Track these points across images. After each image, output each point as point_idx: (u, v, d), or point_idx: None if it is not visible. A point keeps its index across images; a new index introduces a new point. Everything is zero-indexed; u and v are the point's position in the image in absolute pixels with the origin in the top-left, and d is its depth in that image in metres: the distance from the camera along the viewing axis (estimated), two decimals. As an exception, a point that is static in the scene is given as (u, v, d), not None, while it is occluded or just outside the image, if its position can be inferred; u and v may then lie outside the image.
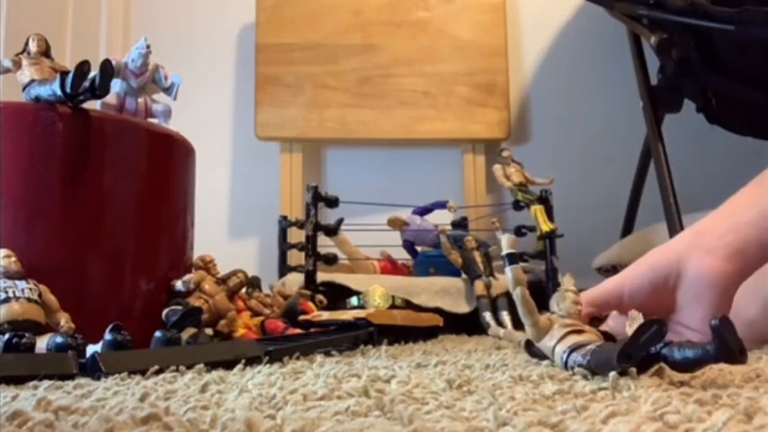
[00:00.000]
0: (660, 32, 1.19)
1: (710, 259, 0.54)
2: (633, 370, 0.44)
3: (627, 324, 0.50)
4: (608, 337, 0.55)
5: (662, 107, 1.30)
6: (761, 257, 0.55)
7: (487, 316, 1.16)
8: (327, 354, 0.70)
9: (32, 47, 0.82)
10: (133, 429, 0.30)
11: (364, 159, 1.81)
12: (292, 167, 1.72)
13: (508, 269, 0.54)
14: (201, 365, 0.53)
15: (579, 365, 0.47)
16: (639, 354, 0.43)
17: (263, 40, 1.73)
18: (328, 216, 1.50)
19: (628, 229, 1.56)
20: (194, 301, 0.83)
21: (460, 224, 1.48)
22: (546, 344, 0.53)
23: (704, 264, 0.54)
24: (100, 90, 0.75)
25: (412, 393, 0.40)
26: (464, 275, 1.26)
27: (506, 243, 0.55)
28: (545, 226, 1.30)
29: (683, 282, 0.56)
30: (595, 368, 0.46)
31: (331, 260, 1.30)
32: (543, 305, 0.55)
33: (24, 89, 0.79)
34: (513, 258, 0.55)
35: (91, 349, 0.57)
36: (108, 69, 0.75)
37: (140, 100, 0.88)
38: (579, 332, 0.51)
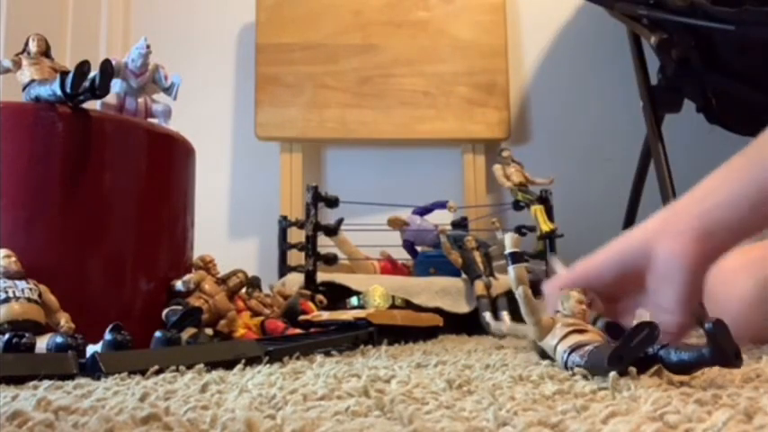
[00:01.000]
0: (660, 32, 1.19)
1: (680, 242, 0.56)
2: (633, 370, 0.45)
3: (634, 322, 0.50)
4: (615, 331, 0.55)
5: (662, 107, 1.30)
6: (729, 241, 0.57)
7: (487, 316, 1.16)
8: (327, 354, 0.70)
9: (32, 47, 0.82)
10: (133, 429, 0.30)
11: (364, 159, 1.81)
12: (292, 167, 1.72)
13: (511, 268, 0.54)
14: (201, 365, 0.53)
15: (577, 366, 0.47)
16: (631, 357, 0.43)
17: (263, 40, 1.73)
18: (328, 216, 1.50)
19: (628, 228, 1.56)
20: (194, 301, 0.82)
21: (460, 224, 1.48)
22: (548, 343, 0.53)
23: (674, 246, 0.56)
24: (100, 90, 0.75)
25: (412, 393, 0.40)
26: (464, 275, 1.26)
27: (509, 242, 0.55)
28: (545, 226, 1.30)
29: (653, 264, 0.57)
30: (590, 369, 0.46)
31: (331, 260, 1.30)
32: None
33: (24, 89, 0.79)
34: (515, 257, 0.55)
35: (91, 349, 0.57)
36: (108, 69, 0.75)
37: (140, 100, 0.88)
38: (581, 331, 0.52)
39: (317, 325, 0.90)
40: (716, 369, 0.47)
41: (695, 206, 0.57)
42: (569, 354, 0.49)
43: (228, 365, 0.55)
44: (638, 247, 0.58)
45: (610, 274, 0.59)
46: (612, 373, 0.42)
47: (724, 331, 0.41)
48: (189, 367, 0.52)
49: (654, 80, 1.32)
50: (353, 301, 1.00)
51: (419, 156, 1.80)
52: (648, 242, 0.57)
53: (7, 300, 0.64)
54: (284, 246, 1.45)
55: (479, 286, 1.21)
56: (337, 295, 1.16)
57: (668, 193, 1.17)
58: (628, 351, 0.43)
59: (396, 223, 1.38)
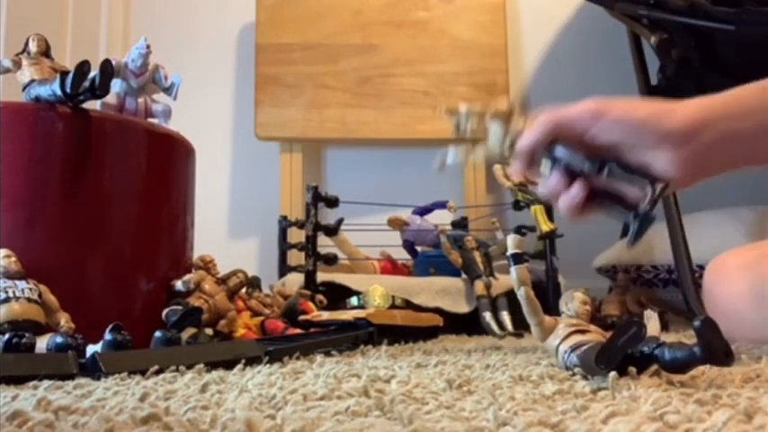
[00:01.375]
0: (660, 32, 1.19)
1: (683, 163, 0.55)
2: (633, 370, 0.45)
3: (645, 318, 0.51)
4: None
5: (662, 107, 1.30)
6: (720, 172, 0.58)
7: (487, 316, 1.16)
8: (327, 354, 0.70)
9: (32, 47, 0.82)
10: (133, 429, 0.30)
11: (364, 159, 1.81)
12: (292, 167, 1.72)
13: (513, 269, 0.54)
14: (201, 365, 0.53)
15: (574, 365, 0.47)
16: (618, 356, 0.43)
17: (263, 40, 1.73)
18: (328, 216, 1.50)
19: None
20: (194, 301, 0.83)
21: (460, 224, 1.48)
22: (551, 343, 0.53)
23: (676, 163, 0.56)
24: (100, 90, 0.75)
25: (412, 393, 0.40)
26: (464, 275, 1.26)
27: (512, 243, 0.55)
28: (545, 226, 1.30)
29: (649, 156, 0.57)
30: (583, 368, 0.46)
31: (331, 260, 1.30)
32: (543, 305, 0.55)
33: (24, 89, 0.79)
34: (518, 258, 0.55)
35: (91, 349, 0.57)
36: (108, 69, 0.75)
37: (140, 100, 0.88)
38: (583, 332, 0.52)
39: (317, 325, 0.90)
40: (716, 369, 0.47)
41: (716, 126, 0.56)
42: (569, 354, 0.49)
43: (228, 365, 0.55)
44: (647, 135, 0.56)
45: (608, 137, 0.57)
46: (612, 373, 0.42)
47: (713, 329, 0.41)
48: (189, 367, 0.52)
49: (654, 80, 1.32)
50: (353, 301, 1.00)
51: (419, 156, 1.80)
52: (659, 141, 0.56)
53: (7, 300, 0.64)
54: (284, 246, 1.45)
55: (479, 286, 1.21)
56: (337, 295, 1.16)
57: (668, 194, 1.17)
58: (614, 351, 0.43)
59: (396, 223, 1.38)
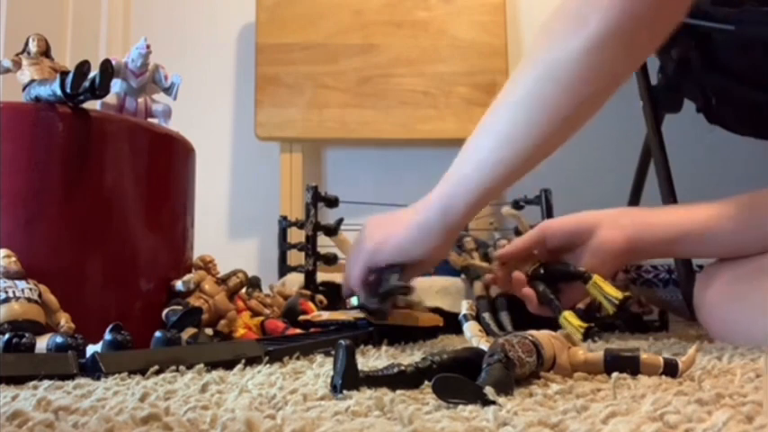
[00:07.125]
0: (660, 32, 1.18)
1: (617, 235, 0.79)
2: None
3: None
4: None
5: (662, 107, 1.30)
6: (648, 252, 0.83)
7: (487, 317, 1.15)
8: (327, 354, 0.70)
9: (32, 47, 0.82)
10: (133, 429, 0.30)
11: (364, 159, 1.81)
12: (292, 167, 1.72)
13: (465, 326, 0.58)
14: (201, 365, 0.53)
15: None
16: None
17: (263, 40, 1.73)
18: (328, 216, 1.50)
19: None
20: (194, 301, 0.82)
21: (460, 224, 1.48)
22: None
23: (611, 237, 0.79)
24: (100, 90, 0.75)
25: (412, 393, 0.40)
26: (463, 276, 1.26)
27: (465, 306, 0.60)
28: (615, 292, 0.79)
29: (591, 240, 0.80)
30: None
31: (331, 260, 1.29)
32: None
33: (24, 89, 0.79)
34: (468, 318, 0.59)
35: (91, 349, 0.57)
36: (108, 69, 0.75)
37: (140, 100, 0.88)
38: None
39: (316, 325, 0.90)
40: (717, 369, 0.47)
41: (644, 218, 0.81)
42: None
43: (228, 365, 0.55)
44: (588, 224, 0.80)
45: (560, 238, 0.82)
46: (614, 374, 0.42)
47: None
48: (189, 367, 0.52)
49: (654, 80, 1.32)
50: (353, 301, 1.00)
51: (419, 156, 1.80)
52: (598, 225, 0.79)
53: (7, 300, 0.64)
54: (284, 246, 1.45)
55: (478, 287, 1.21)
56: (337, 295, 1.16)
57: (668, 193, 1.17)
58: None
59: (396, 223, 1.38)
